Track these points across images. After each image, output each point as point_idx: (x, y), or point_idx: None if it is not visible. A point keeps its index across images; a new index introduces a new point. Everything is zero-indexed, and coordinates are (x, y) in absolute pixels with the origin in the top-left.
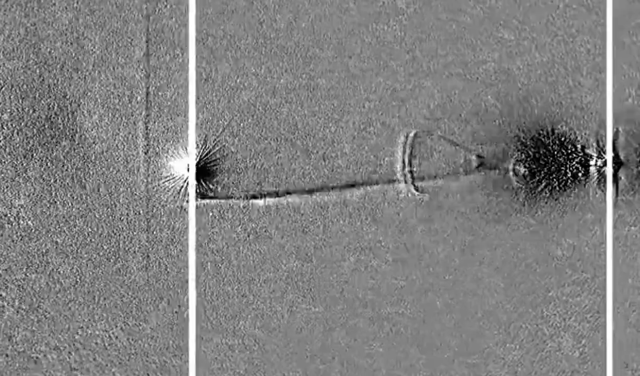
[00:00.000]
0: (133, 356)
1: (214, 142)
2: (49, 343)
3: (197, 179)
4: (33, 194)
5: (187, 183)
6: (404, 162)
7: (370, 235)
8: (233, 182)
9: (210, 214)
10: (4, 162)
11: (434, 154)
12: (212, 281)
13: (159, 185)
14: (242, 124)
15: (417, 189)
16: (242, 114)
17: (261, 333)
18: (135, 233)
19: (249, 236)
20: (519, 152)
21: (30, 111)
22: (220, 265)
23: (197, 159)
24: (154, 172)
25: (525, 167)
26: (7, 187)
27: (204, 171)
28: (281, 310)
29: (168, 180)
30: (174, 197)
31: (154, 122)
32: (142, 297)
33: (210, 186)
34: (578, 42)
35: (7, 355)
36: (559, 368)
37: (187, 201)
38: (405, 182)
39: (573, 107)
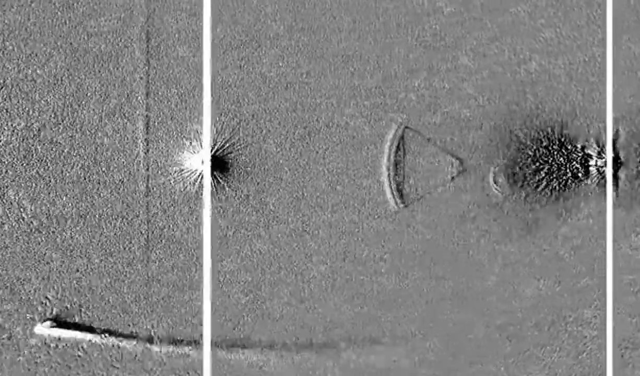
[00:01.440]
0: (134, 356)
1: (224, 140)
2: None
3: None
4: (33, 194)
5: (188, 182)
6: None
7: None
8: (245, 176)
9: (223, 209)
10: (4, 162)
11: (420, 162)
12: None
13: (159, 185)
14: (251, 122)
15: (403, 201)
16: (252, 112)
17: (270, 327)
18: (135, 233)
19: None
20: (500, 160)
21: (31, 111)
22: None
23: (213, 152)
24: (155, 171)
25: (505, 176)
26: (7, 187)
27: (219, 165)
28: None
29: (168, 180)
30: (173, 196)
31: (154, 122)
32: (143, 296)
33: (221, 181)
34: (578, 44)
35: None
36: (598, 371)
37: (202, 195)
38: (391, 191)
39: (573, 108)
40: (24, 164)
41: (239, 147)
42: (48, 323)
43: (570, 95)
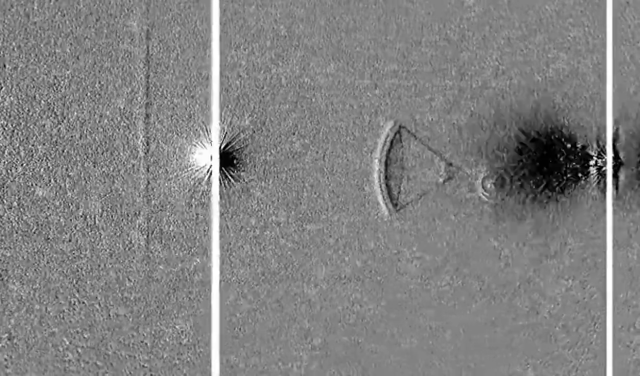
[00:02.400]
0: (133, 356)
1: (232, 135)
2: (48, 342)
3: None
4: (33, 194)
5: (189, 181)
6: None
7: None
8: (251, 171)
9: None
10: (5, 162)
11: (412, 158)
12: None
13: (159, 185)
14: (257, 119)
15: (396, 205)
16: (258, 110)
17: (280, 319)
18: (135, 232)
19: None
20: (489, 165)
21: (31, 111)
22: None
23: (222, 147)
24: (155, 171)
25: (493, 181)
26: (7, 187)
27: (227, 161)
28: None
29: (168, 180)
30: (174, 196)
31: (154, 122)
32: (146, 294)
33: (232, 176)
34: (579, 45)
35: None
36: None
37: (210, 190)
38: (383, 198)
39: (573, 107)
40: (24, 164)
41: (245, 144)
42: None
43: (570, 95)
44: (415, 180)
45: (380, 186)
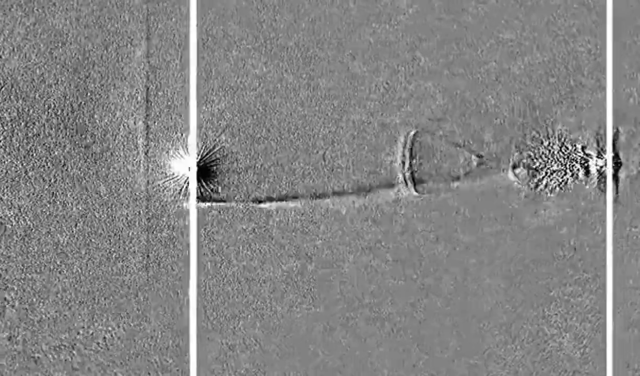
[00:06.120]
0: (133, 356)
1: (214, 142)
2: (49, 343)
3: (198, 179)
4: (33, 194)
5: (188, 183)
6: (403, 162)
7: (371, 236)
8: (234, 183)
9: (211, 214)
10: (4, 162)
11: (434, 154)
12: (212, 281)
13: (159, 185)
14: (242, 124)
15: (417, 190)
16: (243, 114)
17: (261, 333)
18: (135, 233)
19: (249, 235)
20: (519, 153)
21: (31, 111)
22: (220, 265)
23: (198, 159)
24: (155, 172)
25: (524, 168)
26: (7, 187)
27: (205, 172)
28: (281, 310)
29: (168, 180)
30: (175, 197)
31: (154, 122)
32: (142, 297)
33: (211, 187)
34: (579, 42)
35: (7, 355)
36: (560, 368)
37: (188, 201)
38: (406, 183)
39: (573, 107)
40: (24, 164)
41: (227, 153)
42: None
43: (570, 95)
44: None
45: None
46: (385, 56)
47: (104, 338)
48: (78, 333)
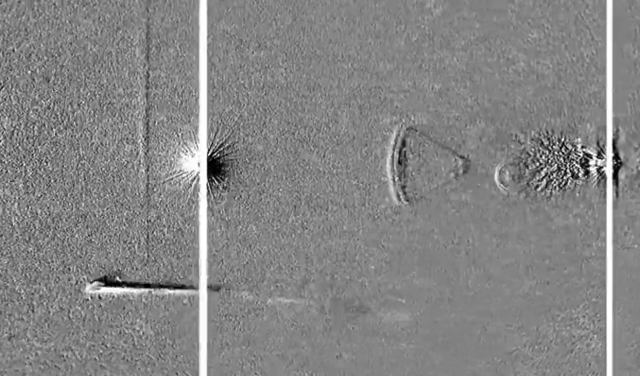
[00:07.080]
0: (133, 358)
1: (221, 140)
2: (49, 343)
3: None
4: (33, 194)
5: (196, 180)
6: (392, 158)
7: (367, 235)
8: (240, 180)
9: (219, 212)
10: (4, 162)
11: (424, 155)
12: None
13: (159, 185)
14: (247, 123)
15: (407, 198)
16: (249, 113)
17: (268, 329)
18: (135, 233)
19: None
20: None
21: (30, 111)
22: (228, 259)
23: (209, 154)
24: (155, 171)
25: (521, 168)
26: (7, 187)
27: (213, 168)
28: (287, 308)
29: (168, 180)
30: (175, 196)
31: (154, 123)
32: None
33: (220, 184)
34: (583, 44)
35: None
36: (588, 370)
37: (198, 198)
38: (395, 187)
39: (573, 107)
40: (24, 164)
41: (236, 149)
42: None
43: (570, 94)
44: (429, 174)
45: (394, 183)
46: (411, 56)
47: (105, 339)
48: (77, 334)
